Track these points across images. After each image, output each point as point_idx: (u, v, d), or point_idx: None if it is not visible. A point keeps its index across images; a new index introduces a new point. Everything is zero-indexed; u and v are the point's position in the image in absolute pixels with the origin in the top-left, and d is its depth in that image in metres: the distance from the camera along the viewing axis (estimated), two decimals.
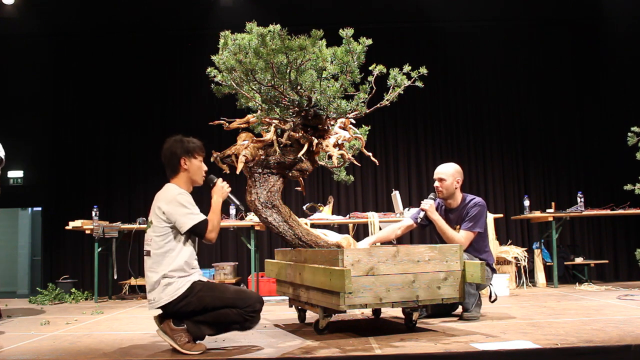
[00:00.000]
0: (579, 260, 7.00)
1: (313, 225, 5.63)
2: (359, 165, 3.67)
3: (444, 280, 3.13)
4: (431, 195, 4.03)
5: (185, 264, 2.99)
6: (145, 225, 6.02)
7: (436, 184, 3.94)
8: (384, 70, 3.34)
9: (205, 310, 2.92)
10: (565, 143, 8.03)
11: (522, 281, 6.07)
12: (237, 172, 3.45)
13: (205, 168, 3.25)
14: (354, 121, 3.68)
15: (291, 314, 4.15)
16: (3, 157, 4.28)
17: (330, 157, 3.47)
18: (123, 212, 7.48)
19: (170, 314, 2.96)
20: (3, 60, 7.86)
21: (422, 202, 4.03)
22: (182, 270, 2.97)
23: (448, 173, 3.91)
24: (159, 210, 2.98)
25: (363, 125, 3.80)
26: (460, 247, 3.24)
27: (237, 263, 7.24)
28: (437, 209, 3.99)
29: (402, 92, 3.41)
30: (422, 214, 3.99)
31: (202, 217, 3.02)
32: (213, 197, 3.21)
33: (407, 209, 6.24)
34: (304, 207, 6.35)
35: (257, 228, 5.94)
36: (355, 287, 2.91)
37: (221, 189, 3.25)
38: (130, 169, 7.89)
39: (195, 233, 2.99)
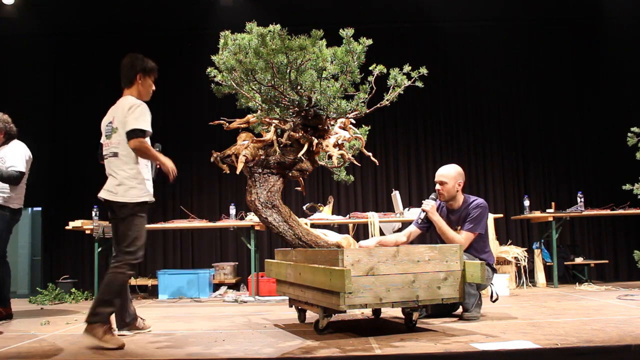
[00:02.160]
0: (579, 260, 7.00)
1: (313, 225, 5.63)
2: (359, 165, 3.67)
3: (444, 280, 3.13)
4: (432, 196, 4.02)
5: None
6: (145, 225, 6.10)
7: (437, 187, 3.92)
8: (384, 70, 3.34)
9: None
10: (565, 143, 8.03)
11: (522, 281, 6.07)
12: (237, 172, 3.46)
13: (154, 88, 3.57)
14: (354, 121, 3.68)
15: (291, 314, 4.15)
16: (17, 171, 4.41)
17: (330, 157, 3.47)
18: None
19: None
20: (3, 60, 7.85)
21: (423, 202, 4.03)
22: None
23: (450, 176, 3.90)
24: (123, 116, 3.31)
25: (363, 125, 3.80)
26: (460, 247, 3.24)
27: (237, 263, 7.25)
28: (438, 210, 3.99)
29: (402, 92, 3.41)
30: (422, 215, 3.99)
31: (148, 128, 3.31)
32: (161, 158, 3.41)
33: (407, 209, 6.24)
34: (304, 207, 6.35)
35: (257, 228, 5.94)
36: (355, 287, 2.91)
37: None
38: None
39: (133, 136, 3.24)
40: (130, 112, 3.28)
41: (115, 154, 3.34)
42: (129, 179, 3.29)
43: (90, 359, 2.80)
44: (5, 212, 4.43)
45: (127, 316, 3.51)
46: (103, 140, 3.53)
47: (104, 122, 3.54)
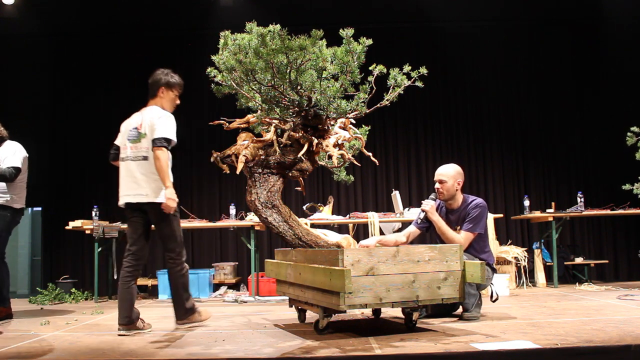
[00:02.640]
0: (579, 260, 7.00)
1: (313, 225, 5.64)
2: (359, 165, 3.67)
3: (444, 280, 3.13)
4: (432, 196, 4.02)
5: None
6: None
7: (437, 185, 3.92)
8: (384, 70, 3.34)
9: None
10: (565, 143, 8.03)
11: (522, 281, 6.07)
12: (237, 172, 3.46)
13: (178, 102, 3.89)
14: (354, 121, 3.68)
15: (291, 314, 4.15)
16: (15, 168, 4.42)
17: (330, 157, 3.47)
18: (123, 212, 7.44)
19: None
20: (3, 60, 7.85)
21: (422, 202, 4.03)
22: None
23: (449, 175, 3.90)
24: (151, 123, 3.61)
25: (363, 125, 3.80)
26: (460, 247, 3.24)
27: (237, 263, 7.25)
28: (437, 210, 3.99)
29: (402, 92, 3.41)
30: (422, 215, 3.99)
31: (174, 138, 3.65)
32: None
33: (407, 209, 6.24)
34: (304, 207, 6.35)
35: (257, 228, 5.94)
36: (355, 287, 2.91)
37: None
38: None
39: (159, 144, 3.56)
40: (160, 120, 3.61)
41: (145, 157, 3.63)
42: (159, 181, 3.56)
43: (90, 358, 2.80)
44: (7, 212, 4.44)
45: (133, 314, 3.60)
46: (121, 142, 3.79)
47: (127, 127, 3.78)
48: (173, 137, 3.63)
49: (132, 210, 3.71)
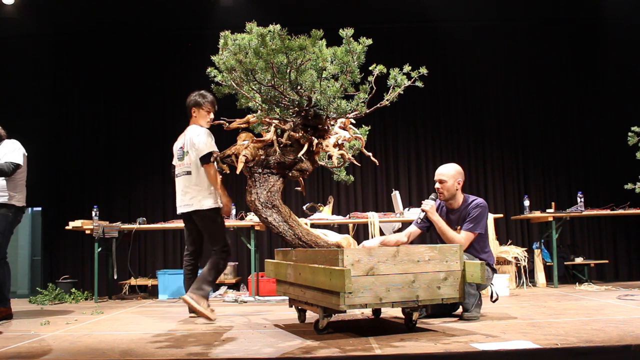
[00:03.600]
0: (579, 260, 7.00)
1: (313, 225, 5.64)
2: (359, 165, 3.67)
3: (444, 280, 3.13)
4: (432, 196, 4.02)
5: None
6: (145, 225, 6.12)
7: (437, 185, 3.92)
8: (384, 70, 3.34)
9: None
10: (565, 143, 8.03)
11: (522, 281, 6.07)
12: (237, 172, 3.46)
13: (212, 117, 4.28)
14: (354, 121, 3.68)
15: (291, 314, 4.15)
16: (14, 163, 4.44)
17: (330, 157, 3.47)
18: (123, 212, 7.48)
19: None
20: (3, 60, 7.85)
21: (422, 202, 4.03)
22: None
23: (449, 174, 3.90)
24: (191, 142, 4.13)
25: (363, 125, 3.80)
26: (460, 247, 3.24)
27: (237, 263, 7.25)
28: (438, 210, 3.99)
29: (402, 92, 3.41)
30: (422, 215, 3.99)
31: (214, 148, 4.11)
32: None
33: (407, 209, 6.24)
34: (304, 207, 6.35)
35: (257, 228, 5.94)
36: (355, 287, 2.91)
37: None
38: (130, 169, 7.90)
39: (204, 161, 4.07)
40: (198, 138, 4.10)
41: (188, 172, 4.20)
42: (201, 192, 4.14)
43: (90, 358, 2.80)
44: (9, 211, 4.44)
45: None
46: (175, 161, 4.36)
47: (176, 147, 4.36)
48: (213, 148, 4.07)
49: (185, 219, 4.36)
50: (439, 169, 3.96)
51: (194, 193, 4.16)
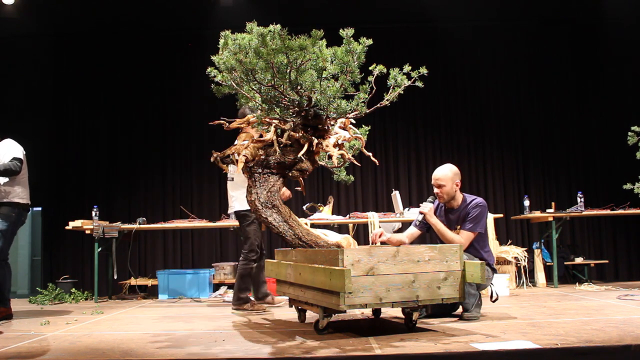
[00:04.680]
0: (579, 260, 7.00)
1: (313, 225, 5.64)
2: (359, 165, 3.67)
3: (444, 280, 3.13)
4: (429, 199, 4.03)
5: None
6: (145, 226, 6.13)
7: (436, 190, 3.92)
8: (384, 70, 3.34)
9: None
10: (565, 143, 8.03)
11: (522, 281, 6.07)
12: (237, 172, 3.45)
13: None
14: (354, 121, 3.67)
15: (291, 314, 4.15)
16: (16, 158, 4.45)
17: (330, 157, 3.47)
18: (123, 212, 7.48)
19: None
20: (3, 60, 7.85)
21: (420, 205, 4.03)
22: None
23: (447, 177, 3.89)
24: None
25: (363, 125, 3.80)
26: (460, 247, 3.24)
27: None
28: (437, 210, 3.99)
29: (402, 92, 3.40)
30: (420, 217, 3.99)
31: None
32: None
33: (407, 209, 6.24)
34: (304, 207, 6.35)
35: None
36: (355, 287, 2.91)
37: None
38: (131, 169, 7.90)
39: None
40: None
41: (232, 179, 4.70)
42: (240, 196, 4.49)
43: (90, 358, 2.80)
44: (12, 210, 4.43)
45: (259, 293, 4.80)
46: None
47: None
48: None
49: (236, 219, 4.92)
50: (436, 173, 3.95)
51: (233, 197, 4.72)
